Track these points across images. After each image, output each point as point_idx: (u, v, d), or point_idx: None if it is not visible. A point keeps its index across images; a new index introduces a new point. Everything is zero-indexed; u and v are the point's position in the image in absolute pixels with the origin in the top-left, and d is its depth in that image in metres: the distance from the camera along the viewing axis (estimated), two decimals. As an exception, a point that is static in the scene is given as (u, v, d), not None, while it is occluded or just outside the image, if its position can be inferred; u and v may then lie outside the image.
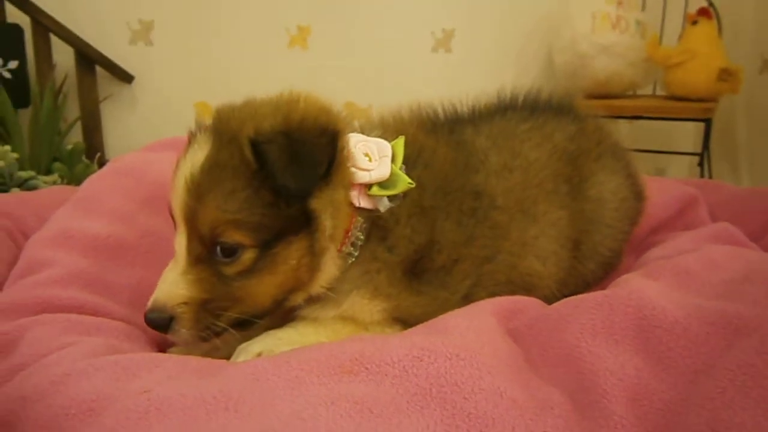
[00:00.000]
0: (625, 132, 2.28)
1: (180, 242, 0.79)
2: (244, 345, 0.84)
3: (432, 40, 2.30)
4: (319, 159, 0.78)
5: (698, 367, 0.68)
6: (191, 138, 0.85)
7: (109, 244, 0.99)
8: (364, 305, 0.87)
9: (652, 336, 0.72)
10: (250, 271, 0.78)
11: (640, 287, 0.79)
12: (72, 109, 2.08)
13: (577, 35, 2.05)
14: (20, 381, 0.69)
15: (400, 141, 0.89)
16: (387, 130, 0.95)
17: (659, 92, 2.28)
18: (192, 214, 0.77)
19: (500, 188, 0.97)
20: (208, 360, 0.76)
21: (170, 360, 0.72)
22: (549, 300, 0.99)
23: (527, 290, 0.97)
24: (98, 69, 1.97)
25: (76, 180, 1.62)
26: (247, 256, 0.77)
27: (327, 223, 0.81)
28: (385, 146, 0.88)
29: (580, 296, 0.83)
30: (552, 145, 1.04)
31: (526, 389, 0.70)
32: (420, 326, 0.83)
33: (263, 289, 0.80)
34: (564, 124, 1.09)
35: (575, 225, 1.03)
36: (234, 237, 0.76)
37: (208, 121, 0.88)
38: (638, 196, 1.12)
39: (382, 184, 0.85)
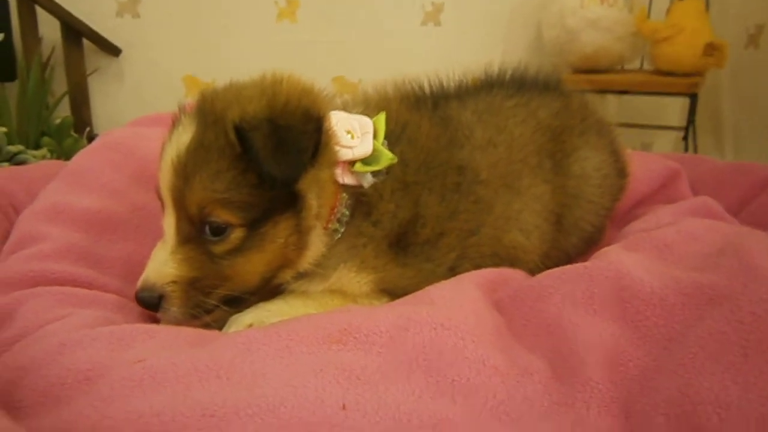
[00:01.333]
0: (612, 106, 2.29)
1: (168, 222, 0.80)
2: (235, 316, 0.86)
3: (422, 14, 2.29)
4: (304, 146, 0.79)
5: (672, 335, 0.71)
6: (176, 120, 0.85)
7: (100, 219, 1.00)
8: (352, 278, 0.89)
9: (629, 306, 0.75)
10: (238, 250, 0.80)
11: (619, 259, 0.82)
12: (59, 83, 2.06)
13: (566, 9, 2.05)
14: (17, 351, 0.71)
15: (382, 117, 0.90)
16: (369, 105, 0.96)
17: (646, 66, 2.29)
18: (180, 195, 0.78)
19: (484, 163, 0.98)
20: (201, 331, 0.78)
21: (164, 331, 0.74)
22: (533, 272, 1.02)
23: (511, 263, 0.99)
24: (85, 42, 1.95)
25: (65, 154, 1.62)
26: (236, 235, 0.79)
27: (313, 202, 0.82)
28: (367, 122, 0.89)
29: (561, 268, 0.86)
30: (536, 121, 1.06)
31: (507, 357, 0.73)
32: (407, 297, 0.85)
33: (252, 267, 0.82)
34: (549, 100, 1.10)
35: (558, 199, 1.05)
36: (222, 216, 0.78)
37: (192, 101, 0.89)
38: (621, 172, 1.14)
39: (365, 161, 0.87)
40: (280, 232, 0.81)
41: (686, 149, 1.99)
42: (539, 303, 0.82)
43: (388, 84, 1.07)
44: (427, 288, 0.86)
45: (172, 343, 0.72)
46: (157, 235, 1.01)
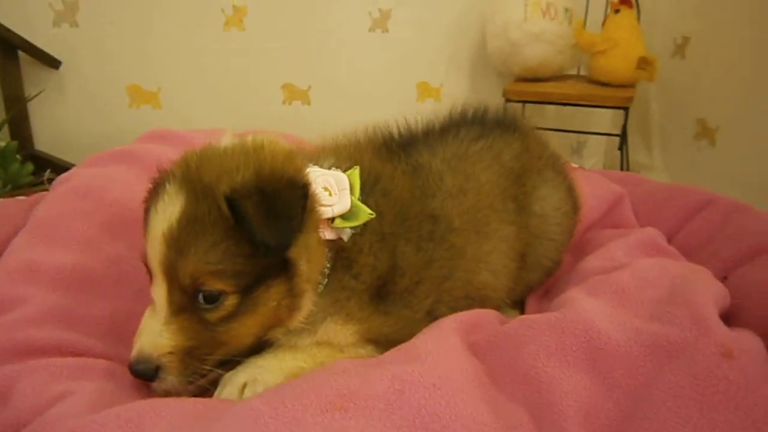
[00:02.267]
0: (549, 113, 2.41)
1: (159, 293, 0.81)
2: (228, 375, 0.87)
3: (369, 20, 2.30)
4: (294, 212, 0.82)
5: (638, 387, 0.79)
6: (159, 188, 0.85)
7: (75, 276, 0.99)
8: (338, 330, 0.93)
9: (598, 358, 0.83)
10: (232, 316, 0.82)
11: (586, 309, 0.90)
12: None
13: (510, 22, 2.12)
14: (27, 439, 0.71)
15: (356, 172, 0.94)
16: (341, 157, 1.00)
17: (582, 72, 2.42)
18: (172, 267, 0.80)
19: (456, 211, 1.03)
20: (203, 402, 0.80)
21: (167, 406, 0.76)
22: (499, 308, 1.11)
23: (482, 302, 1.06)
24: (21, 56, 1.83)
25: (12, 181, 1.54)
26: (229, 302, 0.81)
27: (304, 267, 0.86)
28: (343, 179, 0.92)
29: (533, 317, 0.93)
30: (500, 165, 1.11)
31: (493, 411, 0.80)
32: (394, 352, 0.90)
33: (246, 330, 0.84)
34: (510, 140, 1.16)
35: (521, 239, 1.12)
36: (216, 285, 0.80)
37: (169, 165, 0.90)
38: (575, 208, 1.23)
39: (344, 216, 0.91)
40: (272, 295, 0.84)
41: (621, 158, 2.14)
42: (515, 351, 0.88)
43: (357, 133, 1.10)
44: (412, 341, 0.91)
45: (180, 421, 0.74)
46: (137, 289, 1.02)
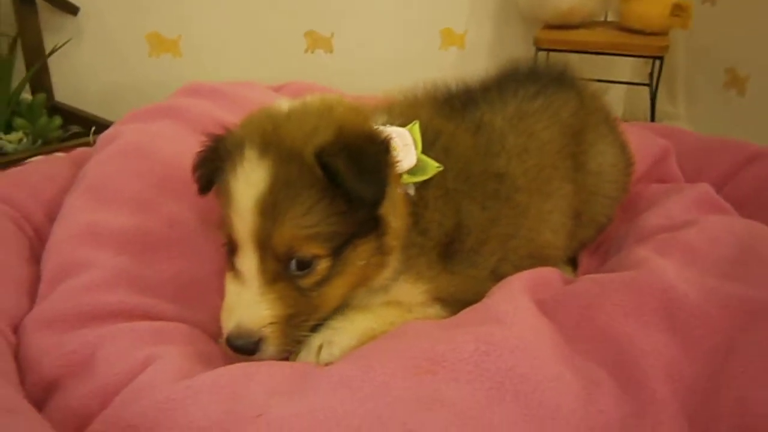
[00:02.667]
0: (571, 61, 2.34)
1: (249, 263, 0.80)
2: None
3: (394, -35, 2.21)
4: (381, 165, 0.82)
5: (720, 346, 0.80)
6: (232, 154, 0.82)
7: (139, 238, 0.97)
8: (409, 289, 0.94)
9: (677, 318, 0.83)
10: (325, 279, 0.82)
11: (661, 269, 0.90)
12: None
13: (542, -36, 2.04)
14: (121, 408, 0.71)
15: (416, 127, 0.93)
16: (393, 114, 0.98)
17: (610, 18, 2.35)
18: (266, 235, 0.78)
19: (520, 170, 1.03)
20: (290, 365, 0.80)
21: (260, 372, 0.76)
22: (557, 265, 1.11)
23: (543, 261, 1.06)
24: (39, 2, 1.73)
25: (41, 136, 1.49)
26: (322, 266, 0.81)
27: (393, 223, 0.86)
28: (406, 134, 0.91)
29: (604, 276, 0.93)
30: (559, 124, 1.10)
31: (573, 370, 0.80)
32: (469, 313, 0.90)
33: (337, 292, 0.85)
34: (566, 98, 1.14)
35: (579, 197, 1.12)
36: (311, 250, 0.79)
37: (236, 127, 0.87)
38: (629, 163, 1.22)
39: (410, 171, 0.90)
40: (361, 254, 0.84)
41: (652, 109, 2.11)
42: (589, 311, 0.89)
43: (415, 90, 1.08)
44: (484, 302, 0.92)
45: (273, 386, 0.74)
46: (199, 251, 1.01)
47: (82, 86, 1.80)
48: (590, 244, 1.24)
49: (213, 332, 0.90)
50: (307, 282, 0.81)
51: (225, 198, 0.82)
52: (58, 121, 1.53)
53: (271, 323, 0.79)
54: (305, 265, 0.80)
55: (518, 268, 1.02)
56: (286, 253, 0.79)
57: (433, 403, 0.71)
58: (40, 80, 1.60)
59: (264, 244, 0.79)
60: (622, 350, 0.82)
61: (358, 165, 0.78)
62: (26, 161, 1.22)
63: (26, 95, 1.52)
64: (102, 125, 1.62)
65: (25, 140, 1.44)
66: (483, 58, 2.37)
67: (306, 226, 0.78)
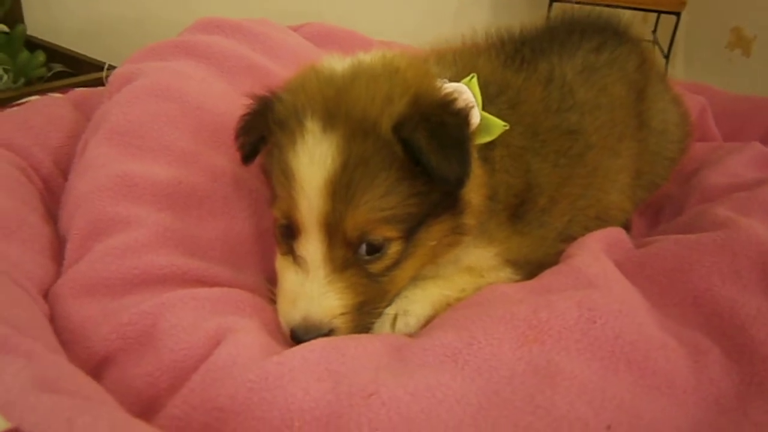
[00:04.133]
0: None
1: (314, 249, 0.71)
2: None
3: None
4: (465, 139, 0.73)
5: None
6: (294, 126, 0.72)
7: (181, 192, 0.85)
8: (481, 253, 0.87)
9: (776, 280, 0.80)
10: (396, 263, 0.74)
11: (751, 228, 0.85)
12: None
13: None
14: (202, 388, 0.61)
15: (474, 81, 0.84)
16: (444, 63, 0.91)
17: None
18: (336, 219, 0.69)
19: (593, 127, 0.97)
20: (379, 338, 0.72)
21: (348, 346, 0.67)
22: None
23: (609, 223, 1.01)
24: None
25: (23, 74, 1.30)
26: (394, 249, 0.73)
27: (474, 200, 0.78)
28: (467, 91, 0.83)
29: (691, 237, 0.88)
30: (627, 79, 1.04)
31: (673, 336, 0.76)
32: (558, 277, 0.82)
33: (406, 274, 0.77)
34: (629, 53, 1.08)
35: (642, 157, 1.06)
36: (384, 233, 0.71)
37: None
38: (688, 124, 1.16)
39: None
40: (433, 235, 0.76)
41: (666, 67, 2.07)
42: (679, 274, 0.84)
43: (474, 40, 1.00)
44: (569, 264, 0.85)
45: (372, 362, 0.65)
46: (246, 206, 0.90)
47: (57, 21, 1.59)
48: (640, 205, 1.19)
49: (267, 299, 0.81)
50: (377, 267, 0.73)
51: (280, 175, 0.72)
52: (41, 56, 1.34)
53: (342, 313, 0.70)
54: (376, 249, 0.72)
55: (586, 230, 0.97)
56: (358, 237, 0.70)
57: (554, 376, 0.65)
58: (12, 13, 1.40)
59: (333, 229, 0.70)
60: (725, 315, 0.77)
61: (441, 141, 0.69)
62: (17, 102, 1.05)
63: (1, 26, 1.32)
64: (89, 65, 1.43)
65: (5, 78, 1.26)
66: (489, 11, 2.25)
67: (384, 207, 0.69)
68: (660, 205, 1.17)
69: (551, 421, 0.60)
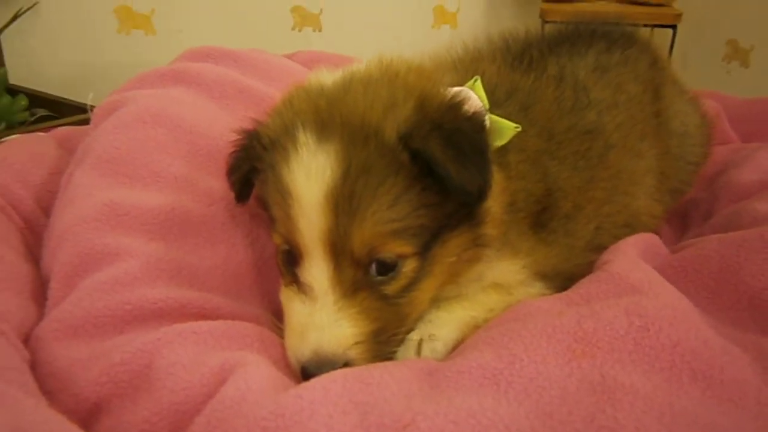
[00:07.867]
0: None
1: (320, 273, 0.64)
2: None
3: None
4: (483, 146, 0.67)
5: None
6: (287, 143, 0.66)
7: (175, 219, 0.78)
8: (506, 267, 0.79)
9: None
10: (412, 283, 0.67)
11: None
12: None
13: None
14: (209, 428, 0.52)
15: (478, 83, 0.79)
16: (458, 69, 0.86)
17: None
18: (339, 236, 0.62)
19: (611, 125, 0.91)
20: (406, 364, 0.63)
21: (373, 375, 0.58)
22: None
23: (638, 229, 0.93)
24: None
25: (5, 118, 1.24)
26: (408, 267, 0.66)
27: (493, 208, 0.71)
28: (472, 95, 0.77)
29: (735, 235, 0.81)
30: (642, 78, 1.00)
31: (732, 340, 0.68)
32: (595, 284, 0.75)
33: (425, 295, 0.70)
34: (639, 53, 1.04)
35: (664, 160, 1.00)
36: (395, 249, 0.64)
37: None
38: (710, 126, 1.11)
39: None
40: (451, 250, 0.69)
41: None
42: (728, 275, 0.77)
43: (478, 43, 0.95)
44: (607, 270, 0.77)
45: (405, 388, 0.57)
46: (250, 232, 0.83)
47: (41, 67, 1.54)
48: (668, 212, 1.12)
49: (273, 330, 0.72)
50: (392, 288, 0.65)
51: (276, 195, 0.66)
52: (23, 100, 1.29)
53: (357, 342, 0.62)
54: (388, 268, 0.65)
55: (616, 239, 0.89)
56: (367, 255, 0.63)
57: (613, 392, 0.56)
58: (-6, 62, 1.36)
59: (338, 247, 0.63)
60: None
61: (457, 149, 0.63)
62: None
63: (-15, 74, 1.27)
64: (73, 108, 1.38)
65: (-14, 121, 1.21)
66: (476, 37, 2.25)
67: (391, 220, 0.63)
68: (685, 210, 1.11)
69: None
